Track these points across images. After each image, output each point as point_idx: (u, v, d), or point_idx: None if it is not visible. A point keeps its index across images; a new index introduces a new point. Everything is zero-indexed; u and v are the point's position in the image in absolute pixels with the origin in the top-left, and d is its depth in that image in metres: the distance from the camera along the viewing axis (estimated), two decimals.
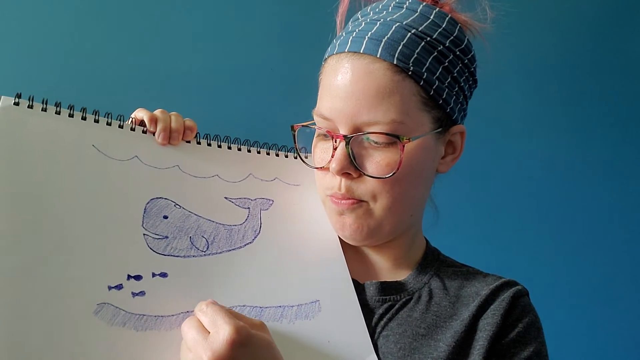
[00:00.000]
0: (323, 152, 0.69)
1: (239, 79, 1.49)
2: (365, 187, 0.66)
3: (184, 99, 1.43)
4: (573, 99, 1.66)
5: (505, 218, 1.60)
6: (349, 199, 0.66)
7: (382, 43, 0.64)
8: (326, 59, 0.70)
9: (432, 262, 0.75)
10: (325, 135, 0.68)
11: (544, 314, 0.71)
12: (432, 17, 0.67)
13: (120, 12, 1.45)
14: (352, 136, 0.64)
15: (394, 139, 0.63)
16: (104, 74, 1.42)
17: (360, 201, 0.67)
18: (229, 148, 0.75)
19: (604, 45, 1.66)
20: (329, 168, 0.66)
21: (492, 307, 0.67)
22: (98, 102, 1.33)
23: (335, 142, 0.65)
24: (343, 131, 0.65)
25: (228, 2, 1.51)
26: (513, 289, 0.70)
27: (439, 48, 0.66)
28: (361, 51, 0.64)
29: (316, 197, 0.74)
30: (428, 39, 0.65)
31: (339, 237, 0.73)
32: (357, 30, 0.67)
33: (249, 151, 0.76)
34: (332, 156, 0.65)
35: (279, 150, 0.79)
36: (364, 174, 0.65)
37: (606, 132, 1.65)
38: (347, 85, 0.64)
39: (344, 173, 0.65)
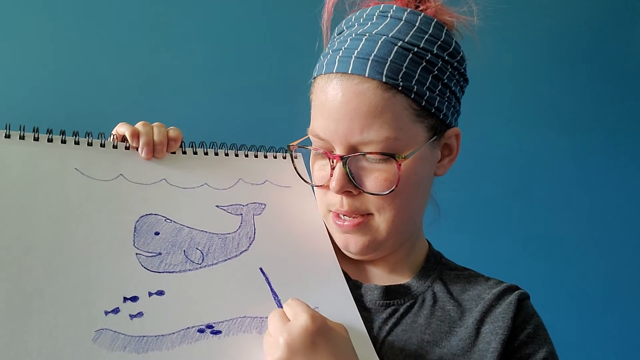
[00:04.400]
0: (321, 169, 0.69)
1: (231, 82, 1.48)
2: (367, 202, 0.66)
3: (176, 104, 1.42)
4: (566, 98, 1.64)
5: (502, 217, 1.60)
6: (353, 217, 0.67)
7: (370, 62, 0.62)
8: (315, 78, 0.69)
9: (434, 265, 0.74)
10: (322, 154, 0.68)
11: (542, 315, 0.71)
12: (417, 24, 0.66)
13: (108, 14, 1.43)
14: (349, 156, 0.64)
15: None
16: (93, 79, 1.41)
17: (364, 217, 0.67)
18: (216, 154, 0.74)
19: (601, 42, 1.65)
20: (329, 186, 0.66)
21: (498, 311, 0.67)
22: (89, 106, 1.35)
23: (333, 162, 0.65)
24: (339, 151, 0.64)
25: (223, 2, 1.49)
26: (516, 292, 0.70)
27: (427, 57, 0.65)
28: (349, 72, 0.63)
29: (307, 198, 0.73)
30: (415, 49, 0.64)
31: (334, 241, 0.72)
32: (343, 48, 0.65)
33: (236, 155, 0.75)
34: (331, 175, 0.65)
35: (267, 152, 0.77)
36: (364, 191, 0.65)
37: (605, 130, 1.64)
38: (338, 106, 0.63)
39: (344, 191, 0.65)
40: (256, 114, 1.45)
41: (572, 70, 1.64)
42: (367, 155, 0.64)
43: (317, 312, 0.56)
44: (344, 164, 0.64)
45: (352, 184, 0.65)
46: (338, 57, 0.65)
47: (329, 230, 0.72)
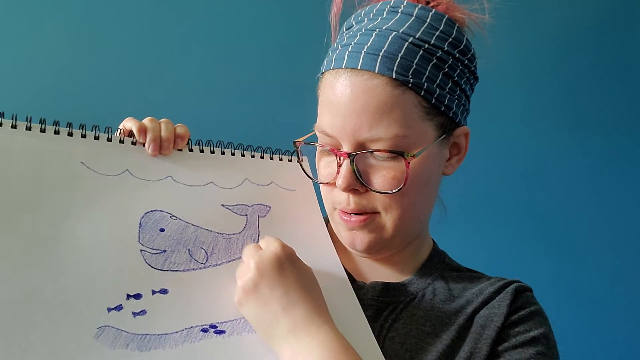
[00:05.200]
0: (327, 166, 0.68)
1: (239, 81, 1.47)
2: (373, 200, 0.65)
3: (183, 102, 1.41)
4: (575, 98, 1.64)
5: (503, 217, 1.59)
6: (361, 214, 0.66)
7: (380, 57, 0.62)
8: (323, 73, 0.68)
9: (437, 264, 0.74)
10: (328, 150, 0.67)
11: (552, 313, 0.71)
12: (428, 20, 0.65)
13: (116, 13, 1.42)
14: (356, 154, 0.63)
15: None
16: (101, 76, 1.40)
17: (371, 214, 0.66)
18: (223, 153, 0.73)
19: (606, 42, 1.64)
20: (335, 183, 0.65)
21: (496, 299, 0.67)
22: (95, 107, 1.34)
23: (340, 159, 0.64)
24: (346, 148, 0.63)
25: (226, 3, 1.49)
26: (516, 284, 0.70)
27: (438, 54, 0.64)
28: (359, 67, 0.62)
29: (311, 202, 0.72)
30: (426, 45, 0.63)
31: (338, 242, 0.72)
32: (352, 43, 0.64)
33: (243, 155, 0.74)
34: (338, 173, 0.64)
35: (273, 154, 0.77)
36: (371, 189, 0.64)
37: (608, 131, 1.63)
38: (347, 102, 0.62)
39: (351, 189, 0.64)
40: (263, 115, 1.44)
41: (584, 69, 1.63)
42: (375, 153, 0.63)
43: (286, 244, 0.60)
44: (351, 162, 0.63)
45: (359, 182, 0.64)
46: (347, 52, 0.64)
47: (335, 227, 0.71)
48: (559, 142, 1.61)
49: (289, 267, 0.58)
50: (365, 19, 0.67)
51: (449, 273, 0.73)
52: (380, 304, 0.68)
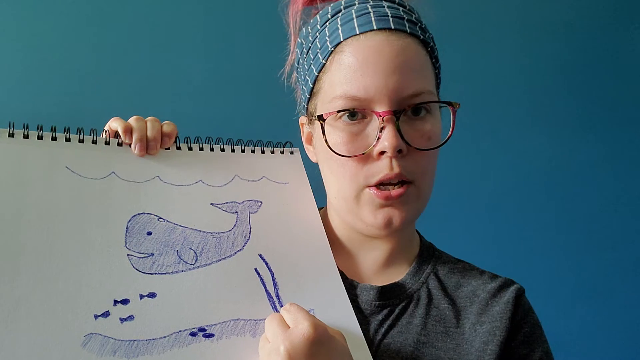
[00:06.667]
0: (356, 139, 0.62)
1: (230, 75, 1.46)
2: (413, 164, 0.62)
3: (173, 96, 1.40)
4: (574, 96, 1.60)
5: (503, 215, 1.57)
6: (400, 182, 0.62)
7: (406, 21, 0.64)
8: (340, 42, 0.64)
9: (428, 258, 0.72)
10: (350, 119, 0.62)
11: (538, 312, 0.70)
12: (408, 7, 0.68)
13: (113, 11, 1.41)
14: (402, 110, 0.61)
15: (433, 109, 0.64)
16: (89, 70, 1.39)
17: (408, 184, 0.63)
18: (212, 150, 0.72)
19: (608, 42, 1.60)
20: (370, 154, 0.61)
21: (496, 309, 0.66)
22: (82, 102, 1.33)
23: (382, 120, 0.60)
24: (387, 107, 0.60)
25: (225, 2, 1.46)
26: (513, 288, 0.69)
27: (428, 33, 0.67)
28: (392, 27, 0.63)
29: (305, 194, 0.71)
30: (423, 22, 0.67)
31: (327, 238, 0.71)
32: (371, 11, 0.64)
33: (232, 151, 0.73)
34: (379, 138, 0.60)
35: (264, 147, 0.75)
36: (416, 148, 0.61)
37: (606, 129, 1.60)
38: (387, 60, 0.61)
39: (397, 151, 0.61)
40: (253, 109, 1.43)
41: (584, 68, 1.60)
42: (419, 107, 0.62)
43: (317, 320, 0.54)
44: (397, 120, 0.60)
45: (405, 142, 0.61)
46: (373, 18, 0.63)
47: (360, 210, 0.64)
48: (558, 141, 1.59)
49: (323, 352, 0.53)
50: (356, 2, 0.66)
51: (441, 267, 0.72)
52: (375, 308, 0.67)
